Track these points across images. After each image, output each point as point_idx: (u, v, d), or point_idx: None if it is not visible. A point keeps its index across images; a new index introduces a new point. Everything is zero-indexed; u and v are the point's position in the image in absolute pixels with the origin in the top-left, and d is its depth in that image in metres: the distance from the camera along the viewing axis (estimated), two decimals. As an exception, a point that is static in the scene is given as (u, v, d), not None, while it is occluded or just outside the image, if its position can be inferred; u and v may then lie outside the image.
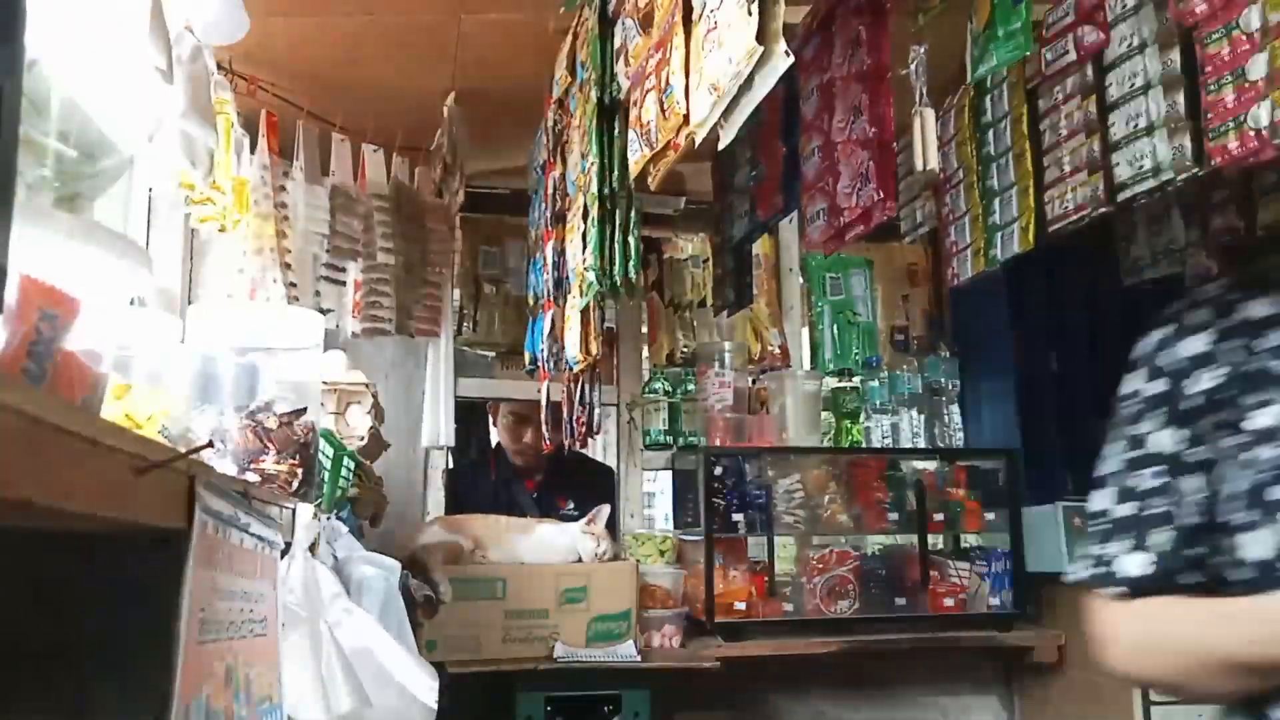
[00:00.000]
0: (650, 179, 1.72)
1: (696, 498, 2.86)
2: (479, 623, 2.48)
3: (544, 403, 2.78)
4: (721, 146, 1.49)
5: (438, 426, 2.95)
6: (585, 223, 2.12)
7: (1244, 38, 1.56)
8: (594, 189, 2.03)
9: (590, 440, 2.97)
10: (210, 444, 1.19)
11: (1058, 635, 2.88)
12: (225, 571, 0.84)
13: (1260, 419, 0.93)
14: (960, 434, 3.43)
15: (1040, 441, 3.08)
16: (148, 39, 1.26)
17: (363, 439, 2.15)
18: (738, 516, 2.80)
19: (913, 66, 1.86)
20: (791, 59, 1.26)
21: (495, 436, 3.56)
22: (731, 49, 1.31)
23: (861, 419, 3.56)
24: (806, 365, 3.52)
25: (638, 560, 2.79)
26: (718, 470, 2.82)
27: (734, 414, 3.02)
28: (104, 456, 0.60)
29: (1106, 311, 3.16)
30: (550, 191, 2.51)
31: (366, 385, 2.21)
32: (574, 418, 2.61)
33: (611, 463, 3.31)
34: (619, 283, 2.07)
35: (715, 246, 3.08)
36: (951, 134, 2.39)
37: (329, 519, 1.69)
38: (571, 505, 3.06)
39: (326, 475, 1.71)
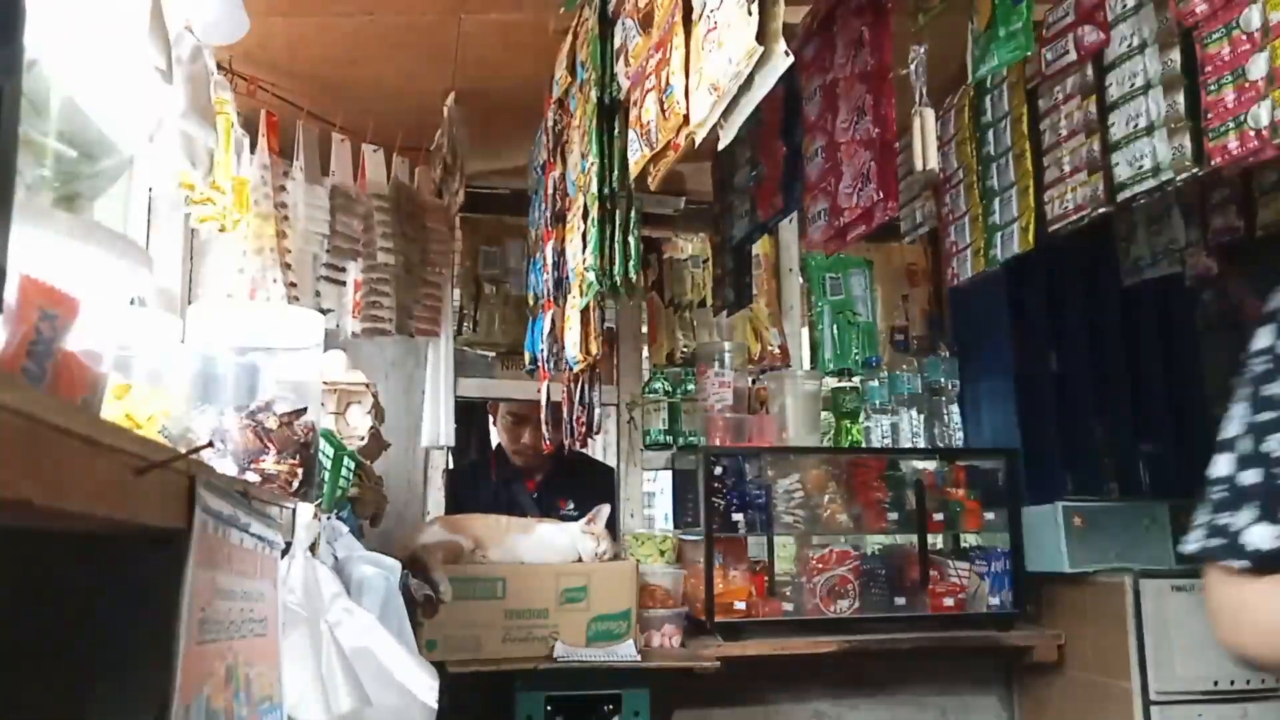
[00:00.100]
0: (650, 179, 1.72)
1: (696, 498, 2.86)
2: (479, 622, 2.48)
3: (544, 403, 2.79)
4: (721, 146, 1.49)
5: (438, 426, 2.95)
6: (585, 223, 2.12)
7: (1244, 37, 1.56)
8: (594, 189, 2.03)
9: (590, 440, 2.97)
10: (210, 444, 1.19)
11: (1057, 635, 2.88)
12: (225, 571, 0.84)
13: None
14: (960, 434, 3.42)
15: (1040, 441, 3.08)
16: (148, 39, 1.26)
17: (363, 439, 2.15)
18: (738, 516, 2.80)
19: (913, 66, 1.86)
20: (791, 59, 1.26)
21: (495, 436, 3.57)
22: (731, 49, 1.31)
23: (861, 419, 3.57)
24: (806, 365, 3.52)
25: (638, 560, 2.79)
26: (718, 470, 2.82)
27: (734, 414, 3.02)
28: (104, 456, 0.60)
29: (1106, 311, 3.17)
30: (550, 191, 2.51)
31: (367, 385, 2.21)
32: (574, 418, 2.61)
33: (611, 463, 3.31)
34: (619, 283, 2.07)
35: (715, 246, 3.08)
36: (951, 134, 2.40)
37: (329, 519, 1.69)
38: (572, 505, 3.06)
39: (327, 475, 1.71)
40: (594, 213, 2.07)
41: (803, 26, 2.21)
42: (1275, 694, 2.59)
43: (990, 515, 2.98)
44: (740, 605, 2.76)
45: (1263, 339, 0.97)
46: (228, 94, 2.29)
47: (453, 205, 2.98)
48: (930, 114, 1.84)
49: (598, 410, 2.66)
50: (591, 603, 2.56)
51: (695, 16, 1.47)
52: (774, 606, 2.82)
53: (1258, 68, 1.54)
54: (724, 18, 1.35)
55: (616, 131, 1.98)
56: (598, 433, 2.87)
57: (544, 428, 2.83)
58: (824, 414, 3.42)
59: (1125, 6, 1.84)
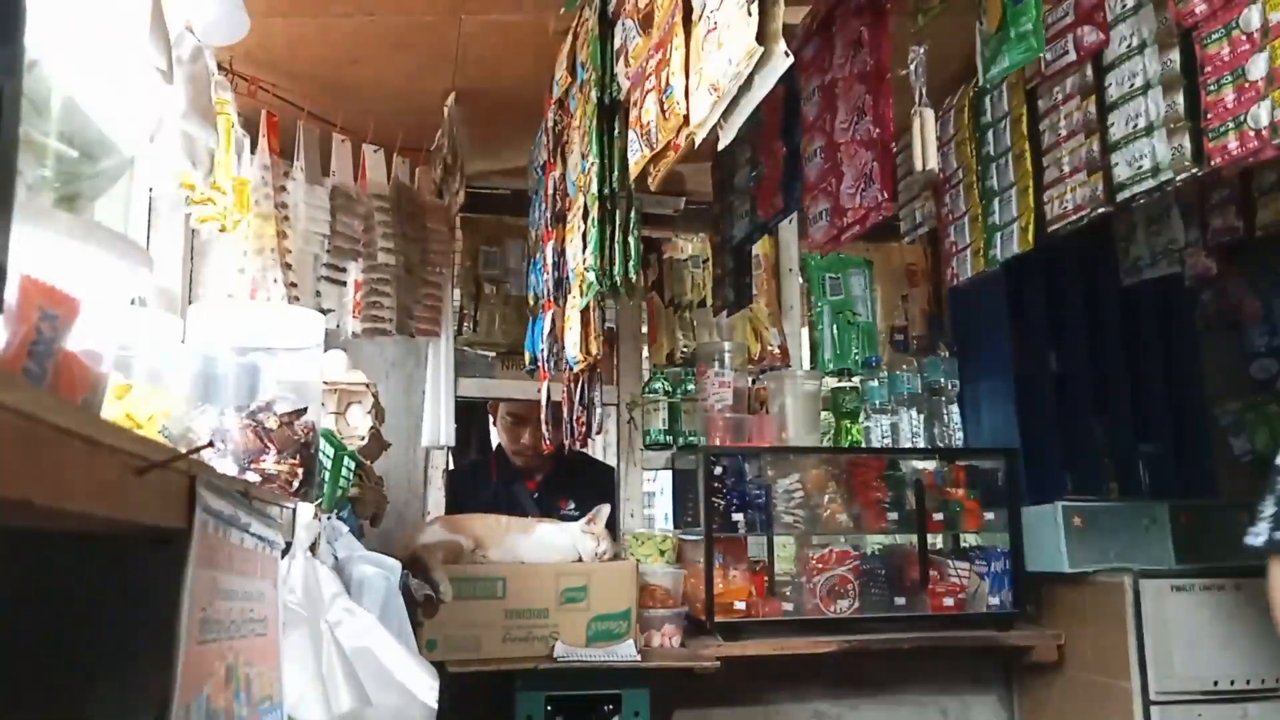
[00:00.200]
0: (650, 179, 1.72)
1: (696, 497, 2.86)
2: (479, 622, 2.48)
3: (544, 403, 2.79)
4: (721, 147, 1.49)
5: (438, 426, 2.95)
6: (585, 223, 2.12)
7: (1244, 38, 1.56)
8: (594, 189, 2.03)
9: (590, 440, 2.97)
10: (210, 444, 1.19)
11: (1057, 635, 2.89)
12: (226, 571, 0.84)
13: None
14: (959, 434, 3.43)
15: (1039, 441, 3.08)
16: (148, 39, 1.27)
17: (363, 439, 2.15)
18: (737, 516, 2.80)
19: (912, 67, 1.86)
20: (791, 59, 1.26)
21: (496, 436, 3.57)
22: (731, 49, 1.31)
23: (861, 419, 3.57)
24: (806, 365, 3.53)
25: (638, 560, 2.79)
26: (718, 470, 2.82)
27: (734, 414, 3.02)
28: (104, 456, 0.60)
29: (1106, 311, 3.17)
30: (550, 192, 2.51)
31: (367, 385, 2.21)
32: (574, 417, 2.61)
33: (612, 462, 3.31)
34: (619, 283, 2.07)
35: (715, 246, 3.08)
36: (951, 134, 2.40)
37: (329, 519, 1.69)
38: (572, 505, 3.06)
39: (327, 475, 1.71)
40: (594, 213, 2.07)
41: (802, 27, 2.21)
42: (1275, 694, 2.59)
43: (990, 515, 2.98)
44: (740, 605, 2.77)
45: None
46: (228, 94, 2.29)
47: (453, 205, 2.98)
48: (930, 114, 1.84)
49: (598, 410, 2.66)
50: (591, 603, 2.57)
51: (695, 17, 1.47)
52: (774, 606, 2.82)
53: (1257, 68, 1.54)
54: (724, 18, 1.35)
55: (616, 132, 1.98)
56: (598, 433, 2.87)
57: (544, 428, 2.83)
58: (824, 414, 3.42)
59: (1125, 7, 1.85)
